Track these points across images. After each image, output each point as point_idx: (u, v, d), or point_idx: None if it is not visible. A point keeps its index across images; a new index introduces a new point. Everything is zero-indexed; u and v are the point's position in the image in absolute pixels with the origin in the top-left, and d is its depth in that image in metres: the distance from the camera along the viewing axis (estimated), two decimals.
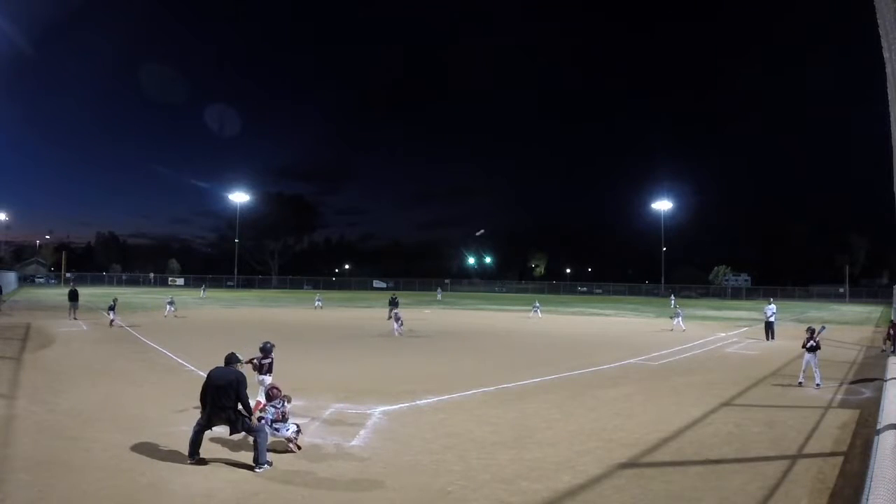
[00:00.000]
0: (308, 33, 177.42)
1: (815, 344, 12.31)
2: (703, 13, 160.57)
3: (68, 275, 76.06)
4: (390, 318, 27.15)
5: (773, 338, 21.46)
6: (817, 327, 13.06)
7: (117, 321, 22.85)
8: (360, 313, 34.32)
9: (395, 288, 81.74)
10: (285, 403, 7.49)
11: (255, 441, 6.73)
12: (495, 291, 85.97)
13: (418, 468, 6.73)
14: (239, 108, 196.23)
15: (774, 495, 5.98)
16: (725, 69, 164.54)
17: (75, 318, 24.55)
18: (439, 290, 66.91)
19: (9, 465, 6.43)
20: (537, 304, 34.90)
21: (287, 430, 7.31)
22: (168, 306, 28.61)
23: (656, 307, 46.16)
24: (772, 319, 22.01)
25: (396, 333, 21.35)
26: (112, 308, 23.32)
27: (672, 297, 27.87)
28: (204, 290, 56.79)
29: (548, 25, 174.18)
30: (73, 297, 26.00)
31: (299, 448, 7.28)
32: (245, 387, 6.95)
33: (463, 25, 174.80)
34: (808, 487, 6.18)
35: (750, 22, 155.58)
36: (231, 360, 7.23)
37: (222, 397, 6.78)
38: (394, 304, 29.02)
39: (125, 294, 52.27)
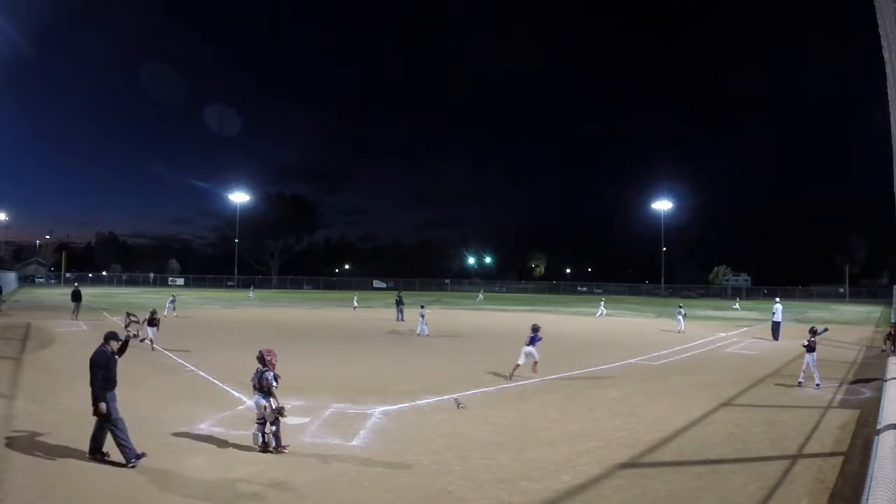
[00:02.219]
0: (308, 33, 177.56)
1: (806, 343, 12.31)
2: (704, 13, 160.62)
3: (68, 275, 76.03)
4: (402, 319, 27.11)
5: (776, 338, 21.46)
6: (819, 328, 13.06)
7: (157, 343, 16.30)
8: (361, 313, 34.29)
9: (396, 288, 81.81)
10: (272, 376, 7.12)
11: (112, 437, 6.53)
12: (495, 291, 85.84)
13: (418, 468, 6.73)
14: (239, 108, 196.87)
15: (774, 495, 5.98)
16: (725, 69, 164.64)
17: (76, 319, 24.32)
18: (481, 291, 64.00)
19: (9, 465, 6.43)
20: (602, 302, 38.62)
21: (263, 401, 7.06)
22: (169, 305, 28.34)
23: (656, 307, 46.16)
24: (777, 319, 22.02)
25: (425, 333, 21.01)
26: (153, 322, 16.47)
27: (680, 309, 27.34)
28: (252, 291, 53.71)
29: (548, 25, 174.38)
30: (76, 297, 25.88)
31: (273, 450, 7.09)
32: (98, 367, 6.57)
33: (463, 25, 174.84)
34: (808, 487, 6.18)
35: (750, 22, 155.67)
36: (106, 337, 6.90)
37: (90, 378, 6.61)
38: (400, 303, 28.95)
39: (125, 294, 52.27)
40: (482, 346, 19.55)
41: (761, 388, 12.16)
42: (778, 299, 24.16)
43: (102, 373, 6.59)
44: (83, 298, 26.94)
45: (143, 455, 6.60)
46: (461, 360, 15.98)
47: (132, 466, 6.41)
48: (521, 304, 49.80)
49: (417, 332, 21.25)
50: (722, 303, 59.75)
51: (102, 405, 6.54)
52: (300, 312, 34.71)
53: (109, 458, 6.63)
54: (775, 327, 21.94)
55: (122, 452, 6.50)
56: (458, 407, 9.82)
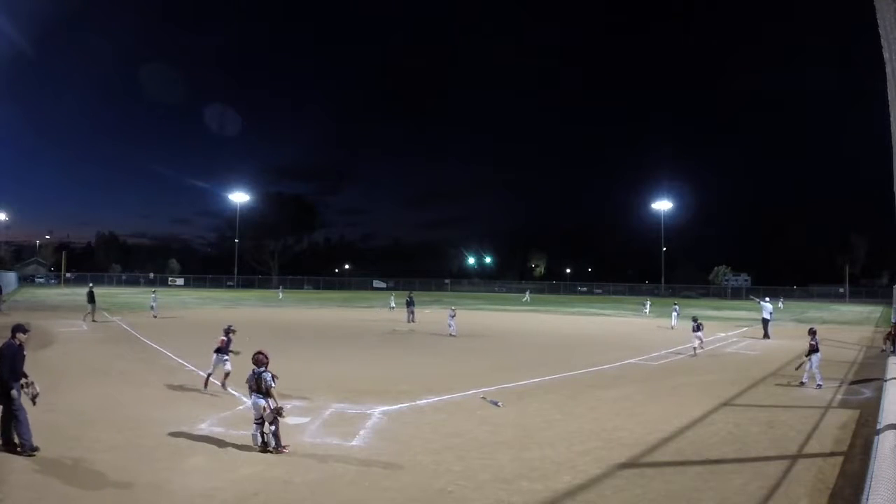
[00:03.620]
0: (308, 33, 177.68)
1: (813, 345, 12.29)
2: (704, 13, 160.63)
3: (68, 275, 76.00)
4: (413, 320, 27.02)
5: (766, 336, 21.82)
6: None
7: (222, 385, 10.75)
8: (361, 313, 34.31)
9: (396, 288, 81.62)
10: (270, 376, 7.15)
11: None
12: (495, 291, 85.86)
13: (418, 468, 6.73)
14: (239, 108, 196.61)
15: (774, 495, 5.98)
16: (725, 69, 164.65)
17: (94, 321, 24.03)
18: (528, 292, 61.95)
19: (9, 465, 6.43)
20: (649, 303, 37.41)
21: (262, 402, 7.08)
22: (153, 303, 27.58)
23: (657, 307, 46.11)
24: (766, 317, 22.26)
25: (453, 333, 21.32)
26: (227, 349, 10.89)
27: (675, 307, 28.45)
28: (281, 292, 52.09)
29: (548, 25, 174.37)
30: (91, 298, 25.67)
31: (273, 450, 7.10)
32: (3, 358, 6.72)
33: (463, 25, 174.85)
34: (808, 487, 6.18)
35: (750, 22, 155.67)
36: (13, 330, 7.04)
37: None
38: (411, 303, 28.96)
39: (125, 294, 52.17)
40: (482, 345, 19.54)
41: (761, 388, 12.17)
42: (767, 298, 24.47)
43: (8, 365, 6.73)
44: (80, 298, 26.67)
45: (37, 449, 6.75)
46: (461, 359, 15.97)
47: (27, 455, 6.64)
48: (521, 304, 49.77)
49: (452, 333, 21.38)
50: (722, 303, 59.74)
51: (14, 392, 6.75)
52: (300, 312, 34.69)
53: (33, 452, 6.74)
54: (764, 324, 22.35)
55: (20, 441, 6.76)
56: (498, 405, 9.82)
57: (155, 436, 7.66)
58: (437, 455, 7.20)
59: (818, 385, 12.04)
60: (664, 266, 78.57)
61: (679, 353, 17.74)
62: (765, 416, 9.58)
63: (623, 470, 6.77)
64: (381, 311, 35.33)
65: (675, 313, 27.19)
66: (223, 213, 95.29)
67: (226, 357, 10.77)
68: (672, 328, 26.05)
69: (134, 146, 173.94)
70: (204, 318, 28.51)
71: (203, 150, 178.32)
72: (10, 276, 55.62)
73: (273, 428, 7.13)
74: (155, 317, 26.54)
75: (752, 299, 32.79)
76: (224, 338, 11.01)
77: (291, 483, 6.17)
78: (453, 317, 22.14)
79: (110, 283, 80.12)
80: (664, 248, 77.66)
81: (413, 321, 26.96)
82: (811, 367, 12.26)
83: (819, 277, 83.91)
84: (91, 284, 28.43)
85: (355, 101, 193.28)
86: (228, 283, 79.12)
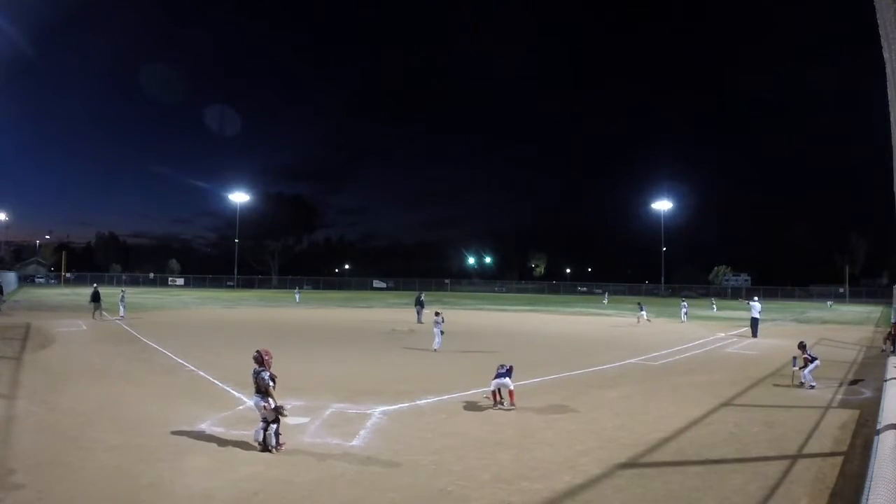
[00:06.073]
0: (308, 33, 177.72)
1: (808, 358, 12.21)
2: (704, 13, 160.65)
3: (68, 275, 76.04)
4: (420, 321, 26.72)
5: (755, 335, 22.26)
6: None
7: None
8: (360, 313, 34.30)
9: (395, 288, 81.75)
10: (268, 376, 7.15)
11: None
12: (495, 291, 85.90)
13: (418, 468, 6.73)
14: (239, 108, 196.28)
15: (774, 495, 5.98)
16: (726, 69, 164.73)
17: (93, 318, 24.12)
18: (606, 295, 58.55)
19: (9, 466, 6.42)
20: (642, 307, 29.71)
21: (262, 401, 7.08)
22: (121, 304, 26.65)
23: (656, 307, 46.12)
24: (756, 316, 22.63)
25: (436, 347, 17.29)
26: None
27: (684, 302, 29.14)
28: (299, 293, 49.78)
29: (548, 25, 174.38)
30: (96, 298, 25.70)
31: (273, 449, 7.07)
32: None
33: (463, 25, 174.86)
34: (808, 487, 6.18)
35: (750, 21, 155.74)
36: None
37: None
38: (420, 304, 28.81)
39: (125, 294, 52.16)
40: (482, 345, 19.52)
41: (761, 388, 12.16)
42: (756, 298, 24.80)
43: None
44: (78, 298, 26.65)
45: None
46: (461, 359, 15.95)
47: None
48: (521, 304, 49.75)
49: (434, 346, 17.36)
50: (722, 303, 59.69)
51: None
52: (300, 312, 34.68)
53: None
54: (753, 324, 22.73)
55: None
56: (506, 407, 9.73)
57: (155, 436, 7.65)
58: (437, 455, 7.20)
59: (811, 386, 12.01)
60: (664, 266, 78.70)
61: (682, 353, 17.76)
62: (765, 416, 9.58)
63: (623, 470, 6.76)
64: (381, 311, 35.32)
65: (684, 310, 28.02)
66: (223, 213, 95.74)
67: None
68: (683, 322, 27.01)
69: (134, 146, 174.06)
70: (207, 319, 28.49)
71: (203, 150, 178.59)
72: (11, 276, 55.60)
73: (275, 427, 7.14)
74: (122, 317, 25.73)
75: (738, 300, 34.01)
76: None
77: (291, 483, 6.17)
78: (440, 324, 17.69)
79: (110, 283, 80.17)
80: (664, 248, 77.82)
81: (421, 322, 27.02)
82: (805, 376, 12.19)
83: (819, 277, 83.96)
84: (95, 285, 28.30)
85: (355, 100, 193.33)
86: (228, 283, 79.15)
